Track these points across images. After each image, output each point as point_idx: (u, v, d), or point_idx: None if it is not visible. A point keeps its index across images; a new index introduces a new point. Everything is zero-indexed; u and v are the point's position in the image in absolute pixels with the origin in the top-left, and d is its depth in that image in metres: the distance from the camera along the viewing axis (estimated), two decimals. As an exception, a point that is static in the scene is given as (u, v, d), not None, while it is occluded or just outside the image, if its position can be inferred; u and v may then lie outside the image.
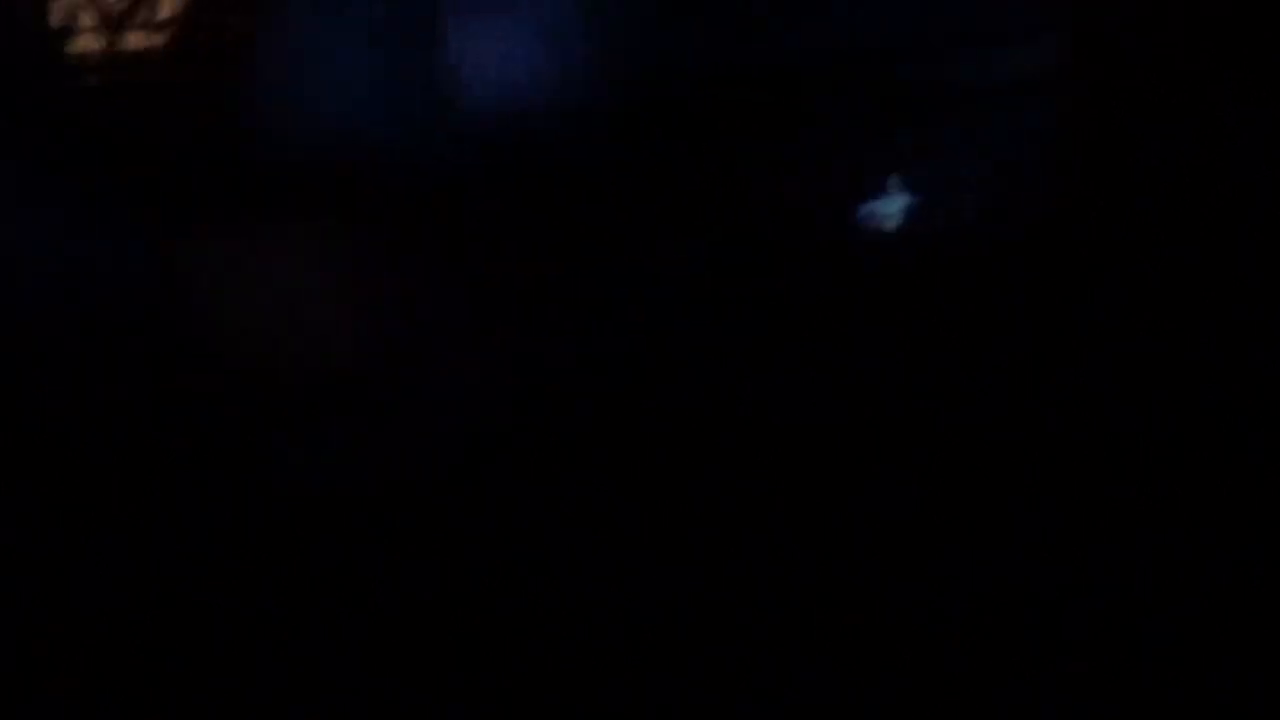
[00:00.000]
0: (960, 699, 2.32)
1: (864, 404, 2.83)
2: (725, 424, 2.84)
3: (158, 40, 3.24)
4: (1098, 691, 2.29)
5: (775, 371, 2.96)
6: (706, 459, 2.77)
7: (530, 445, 2.84)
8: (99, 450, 2.78)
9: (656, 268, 3.24)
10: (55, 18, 3.17)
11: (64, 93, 3.16)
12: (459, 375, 3.02)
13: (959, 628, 2.42)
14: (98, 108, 3.15)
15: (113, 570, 2.61)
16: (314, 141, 3.14)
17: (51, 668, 2.47)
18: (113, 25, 3.23)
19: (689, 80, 3.35)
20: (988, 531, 2.52)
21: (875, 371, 2.91)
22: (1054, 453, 2.61)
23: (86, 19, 3.19)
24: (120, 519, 2.71)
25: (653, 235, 3.27)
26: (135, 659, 2.47)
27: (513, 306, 3.13)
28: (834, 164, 3.32)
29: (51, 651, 2.48)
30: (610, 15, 3.40)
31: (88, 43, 3.20)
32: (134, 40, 3.24)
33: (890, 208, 3.28)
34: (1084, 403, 2.69)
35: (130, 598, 2.56)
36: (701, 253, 3.25)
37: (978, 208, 3.27)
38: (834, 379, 2.91)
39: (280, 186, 3.07)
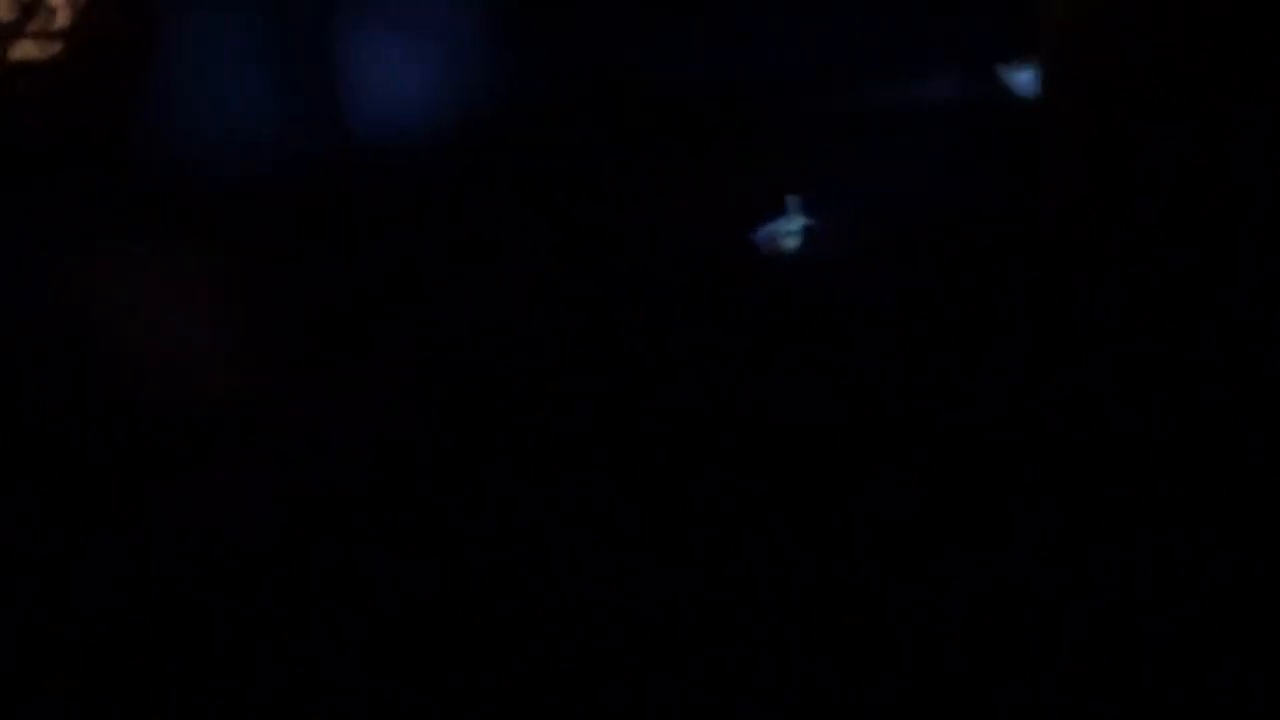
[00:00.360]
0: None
1: (756, 418, 2.86)
2: (614, 434, 2.84)
3: (50, 51, 3.12)
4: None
5: (667, 385, 2.97)
6: (595, 468, 2.76)
7: (415, 460, 2.81)
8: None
9: (551, 283, 3.24)
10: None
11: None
12: (344, 395, 2.96)
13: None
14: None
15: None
16: (206, 156, 3.06)
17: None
18: (3, 35, 3.11)
19: (584, 97, 3.39)
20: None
21: (764, 384, 2.95)
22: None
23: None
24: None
25: (547, 251, 3.27)
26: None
27: (404, 320, 3.10)
28: (735, 183, 3.39)
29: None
30: (507, 34, 3.43)
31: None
32: (24, 51, 3.12)
33: (789, 227, 3.35)
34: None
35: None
36: (594, 266, 3.27)
37: (878, 229, 3.36)
38: (727, 392, 2.94)
39: (170, 202, 2.99)
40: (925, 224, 3.26)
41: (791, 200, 3.32)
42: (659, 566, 2.53)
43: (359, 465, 2.80)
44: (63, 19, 3.10)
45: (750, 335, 3.10)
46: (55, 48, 3.09)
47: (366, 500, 2.68)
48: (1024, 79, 3.34)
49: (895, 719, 2.24)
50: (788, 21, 3.43)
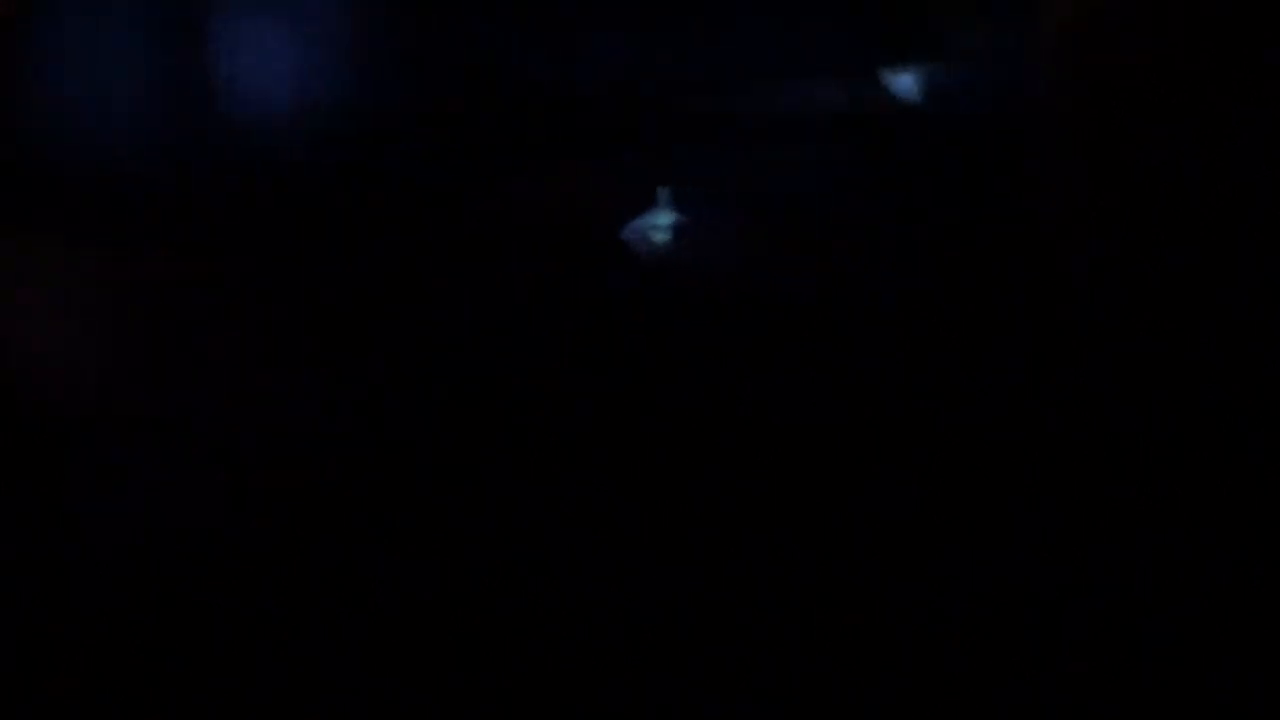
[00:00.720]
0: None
1: (629, 415, 2.85)
2: (492, 429, 2.83)
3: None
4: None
5: (542, 380, 2.96)
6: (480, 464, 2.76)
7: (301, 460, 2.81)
8: None
9: (427, 279, 3.23)
10: None
11: None
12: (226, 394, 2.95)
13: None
14: None
15: None
16: (76, 144, 2.99)
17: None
18: None
19: (465, 91, 3.38)
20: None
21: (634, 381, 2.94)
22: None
23: None
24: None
25: (423, 246, 3.26)
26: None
27: (281, 315, 3.08)
28: (608, 178, 3.37)
29: None
30: (385, 26, 3.42)
31: None
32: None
33: (659, 222, 3.31)
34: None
35: None
36: (471, 261, 3.26)
37: (748, 226, 3.34)
38: (599, 389, 2.92)
39: (39, 192, 2.93)
40: (796, 221, 3.25)
41: (662, 193, 3.27)
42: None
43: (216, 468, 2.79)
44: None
45: (622, 332, 3.08)
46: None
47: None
48: (904, 83, 3.34)
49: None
50: (663, 18, 3.41)
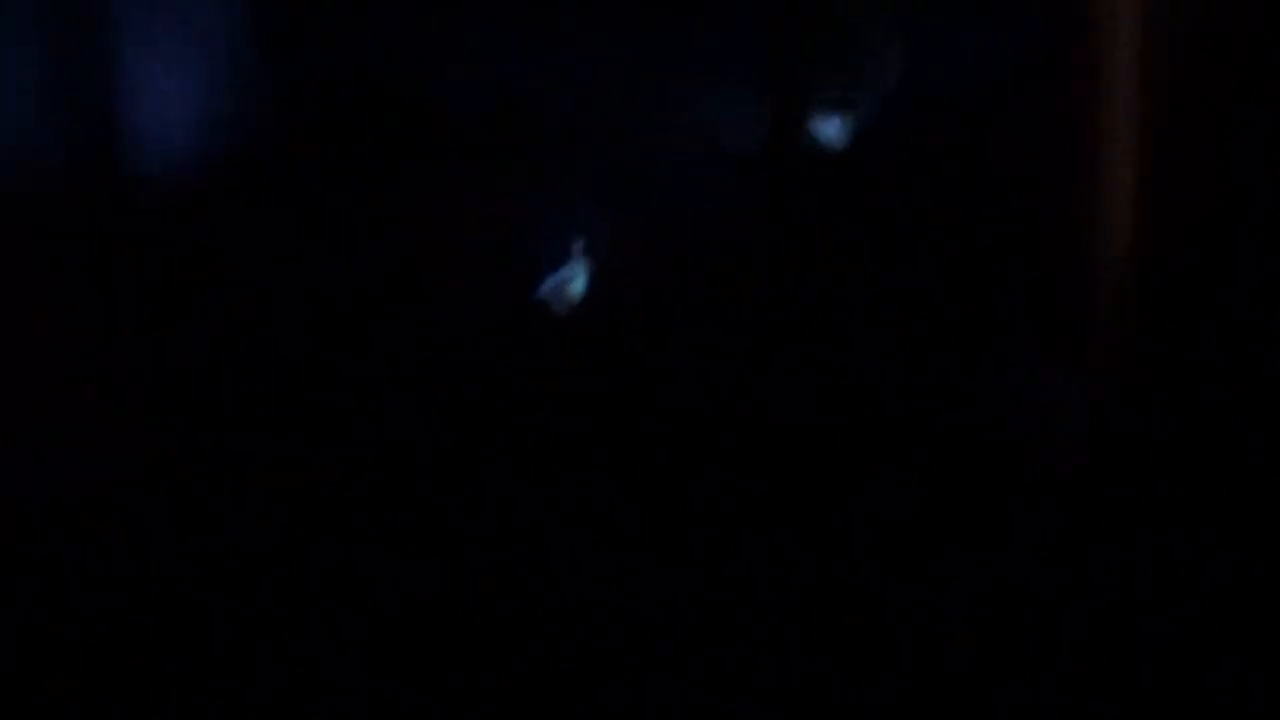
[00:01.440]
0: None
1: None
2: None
3: None
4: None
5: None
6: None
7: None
8: None
9: (320, 305, 3.21)
10: None
11: None
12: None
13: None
14: None
15: None
16: None
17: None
18: None
19: (370, 116, 3.34)
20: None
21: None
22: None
23: None
24: None
25: (321, 273, 3.24)
26: None
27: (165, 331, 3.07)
28: (521, 227, 3.33)
29: None
30: (286, 48, 3.37)
31: None
32: None
33: (573, 274, 3.25)
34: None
35: None
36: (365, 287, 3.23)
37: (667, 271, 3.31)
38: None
39: None
40: (713, 267, 3.24)
41: (575, 244, 3.20)
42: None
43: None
44: None
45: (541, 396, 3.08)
46: None
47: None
48: (829, 129, 3.32)
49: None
50: (578, 59, 3.38)
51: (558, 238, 3.21)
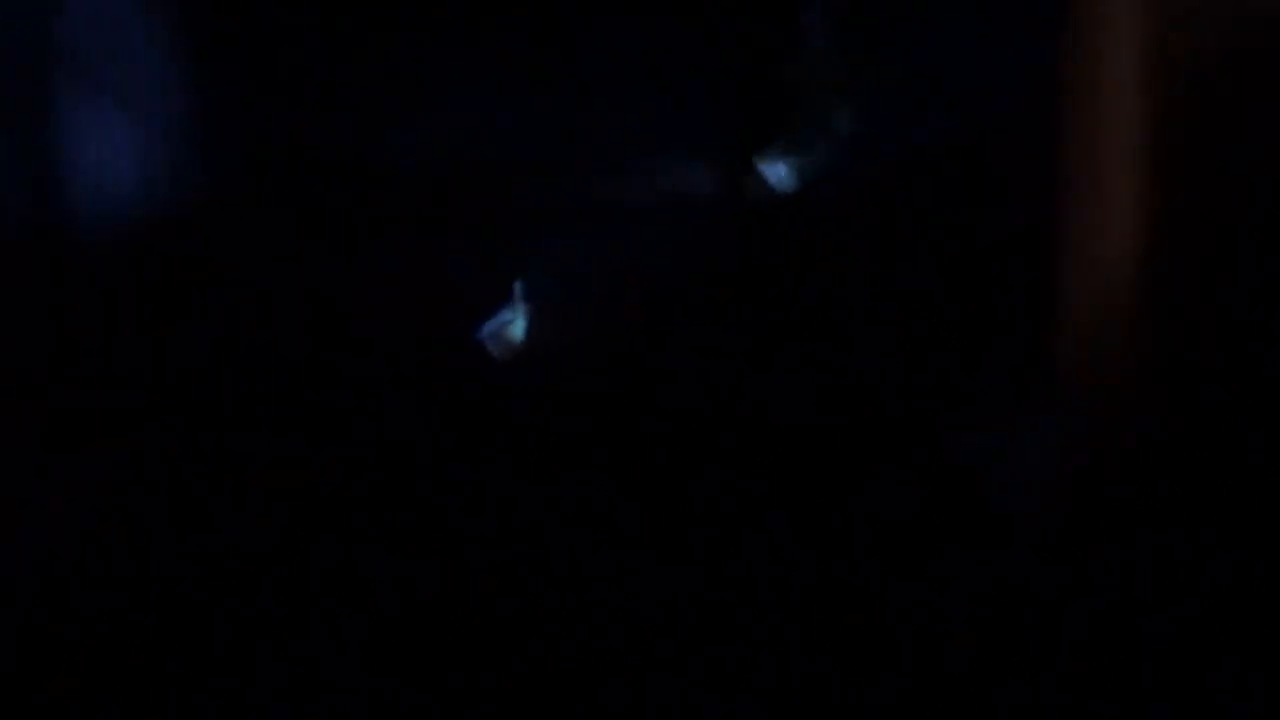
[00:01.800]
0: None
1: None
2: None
3: None
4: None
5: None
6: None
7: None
8: None
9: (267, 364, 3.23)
10: None
11: None
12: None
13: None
14: None
15: None
16: None
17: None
18: None
19: (315, 177, 3.37)
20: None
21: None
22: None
23: None
24: None
25: (265, 314, 3.26)
26: None
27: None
28: (460, 267, 3.34)
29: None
30: (230, 114, 3.40)
31: None
32: None
33: (513, 317, 3.26)
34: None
35: None
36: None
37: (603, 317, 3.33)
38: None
39: None
40: (657, 311, 3.25)
41: (517, 287, 3.23)
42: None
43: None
44: None
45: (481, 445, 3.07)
46: None
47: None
48: (776, 172, 3.34)
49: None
50: (524, 110, 3.41)
51: (499, 283, 3.25)
